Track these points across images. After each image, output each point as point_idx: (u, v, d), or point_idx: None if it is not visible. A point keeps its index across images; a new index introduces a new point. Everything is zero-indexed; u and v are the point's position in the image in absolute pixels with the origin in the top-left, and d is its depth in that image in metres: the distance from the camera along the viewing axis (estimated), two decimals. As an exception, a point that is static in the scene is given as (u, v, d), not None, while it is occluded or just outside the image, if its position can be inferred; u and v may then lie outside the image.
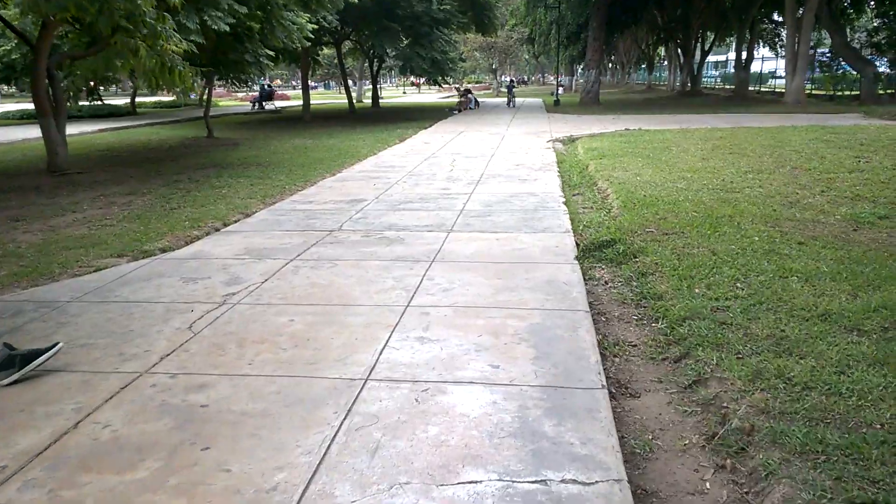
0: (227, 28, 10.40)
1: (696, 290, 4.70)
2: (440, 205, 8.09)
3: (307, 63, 25.12)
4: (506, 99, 32.63)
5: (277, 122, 26.26)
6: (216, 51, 13.84)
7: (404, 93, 65.57)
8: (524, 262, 5.51)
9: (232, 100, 52.25)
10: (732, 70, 46.50)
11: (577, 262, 5.59)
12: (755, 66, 36.83)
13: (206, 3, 10.06)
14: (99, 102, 29.16)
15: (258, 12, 12.42)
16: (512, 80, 39.26)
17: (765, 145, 12.44)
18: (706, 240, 5.91)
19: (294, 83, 78.79)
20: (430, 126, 21.37)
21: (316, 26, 15.57)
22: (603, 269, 5.66)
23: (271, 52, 15.85)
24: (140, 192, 10.23)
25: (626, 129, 17.47)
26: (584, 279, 5.25)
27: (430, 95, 54.38)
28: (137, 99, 42.92)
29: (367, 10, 22.19)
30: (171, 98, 46.38)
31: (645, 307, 4.73)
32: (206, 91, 18.83)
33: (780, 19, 36.38)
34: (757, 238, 5.89)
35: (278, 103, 37.96)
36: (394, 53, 25.54)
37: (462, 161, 12.29)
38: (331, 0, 13.07)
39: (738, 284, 4.77)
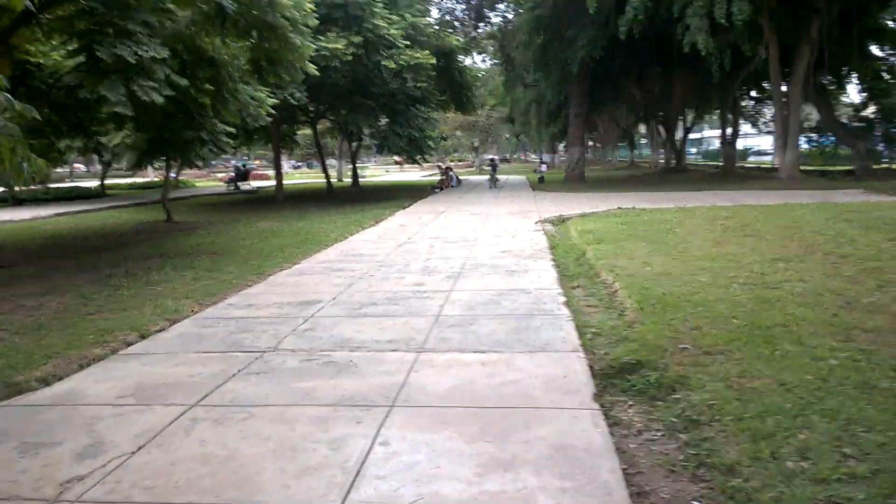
0: (162, 100, 9.02)
1: (788, 463, 3.10)
2: (411, 308, 6.51)
3: (278, 141, 24.01)
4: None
5: (250, 203, 24.92)
6: (163, 128, 12.50)
7: (387, 171, 65.07)
8: (522, 405, 3.89)
9: (210, 180, 51.20)
10: (710, 147, 46.57)
11: (595, 402, 3.99)
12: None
13: (135, 72, 8.69)
14: (39, 186, 27.27)
15: (207, 86, 11.11)
16: (494, 158, 32.99)
17: (780, 226, 11.12)
18: (766, 364, 4.36)
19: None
20: (409, 206, 20.07)
21: (277, 101, 14.35)
22: (630, 406, 4.07)
23: (231, 130, 14.57)
24: (60, 291, 8.59)
25: (618, 208, 16.22)
26: (609, 425, 3.66)
27: (412, 173, 53.74)
28: (113, 181, 41.69)
29: (338, 88, 21.22)
30: (145, 179, 45.23)
31: (709, 482, 3.12)
32: (166, 172, 17.40)
33: (758, 95, 36.32)
34: (834, 361, 4.34)
35: (256, 183, 36.81)
36: (370, 132, 24.50)
37: (440, 248, 10.80)
38: (288, 72, 11.83)
39: (846, 450, 3.18)
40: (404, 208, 19.32)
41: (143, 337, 6.08)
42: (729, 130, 32.13)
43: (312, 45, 12.84)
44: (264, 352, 5.08)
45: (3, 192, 27.72)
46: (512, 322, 5.80)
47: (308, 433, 3.51)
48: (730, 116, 32.36)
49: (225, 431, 3.58)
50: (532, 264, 8.84)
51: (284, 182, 41.98)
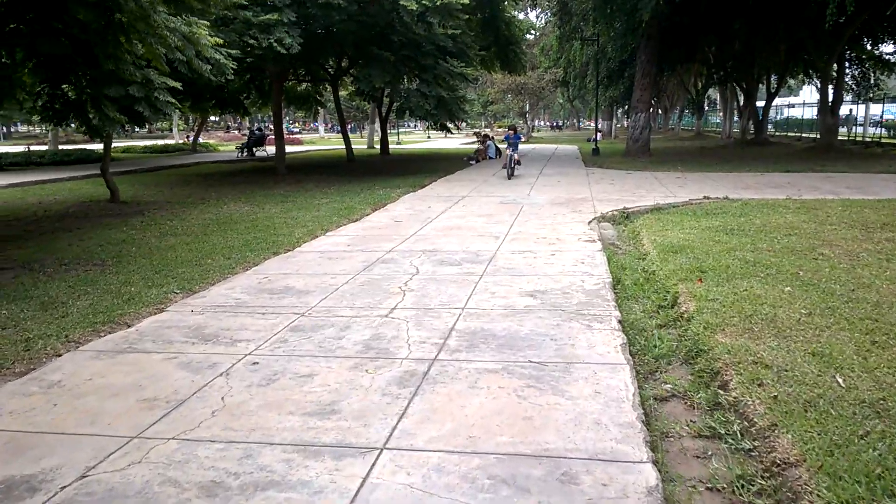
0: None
1: None
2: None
3: (280, 100, 19.99)
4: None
5: (249, 175, 20.99)
6: (58, 79, 8.53)
7: (429, 137, 60.55)
8: None
9: (237, 143, 47.52)
10: (786, 116, 40.36)
11: None
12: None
13: None
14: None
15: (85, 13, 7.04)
16: (515, 129, 20.26)
17: None
18: None
19: (315, 125, 74.24)
20: (427, 185, 15.81)
21: (221, 41, 10.17)
22: None
23: (176, 84, 10.56)
24: None
25: (705, 198, 11.69)
26: None
27: (456, 140, 49.01)
28: (134, 142, 38.38)
29: (350, 35, 16.96)
30: (169, 141, 41.84)
31: None
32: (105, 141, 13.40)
33: (854, 55, 30.27)
34: None
35: (273, 149, 32.90)
36: (388, 91, 20.08)
37: (428, 278, 6.57)
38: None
39: None
40: (420, 188, 15.10)
41: None
42: (818, 98, 26.53)
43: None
44: None
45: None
46: None
47: None
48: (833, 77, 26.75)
49: None
50: (580, 337, 4.58)
51: (311, 148, 38.19)
